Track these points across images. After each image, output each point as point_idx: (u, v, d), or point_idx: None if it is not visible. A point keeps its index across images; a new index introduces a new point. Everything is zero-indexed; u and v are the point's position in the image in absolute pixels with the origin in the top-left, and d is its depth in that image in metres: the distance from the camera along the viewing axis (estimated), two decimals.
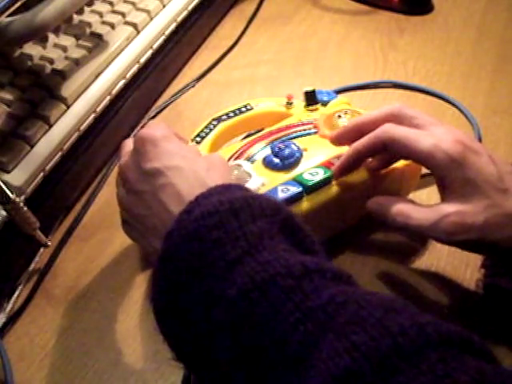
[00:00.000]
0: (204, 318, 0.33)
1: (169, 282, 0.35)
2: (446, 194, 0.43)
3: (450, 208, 0.41)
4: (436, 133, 0.43)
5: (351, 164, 0.47)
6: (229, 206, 0.34)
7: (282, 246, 0.34)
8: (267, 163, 0.50)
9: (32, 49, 0.60)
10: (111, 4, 0.67)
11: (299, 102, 0.58)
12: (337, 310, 0.30)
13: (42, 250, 0.54)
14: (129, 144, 0.44)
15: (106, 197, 0.59)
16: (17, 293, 0.51)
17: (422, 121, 0.45)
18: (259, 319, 0.31)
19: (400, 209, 0.44)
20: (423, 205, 0.44)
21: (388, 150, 0.45)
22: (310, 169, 0.50)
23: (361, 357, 0.27)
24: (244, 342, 0.31)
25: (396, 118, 0.46)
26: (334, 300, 0.30)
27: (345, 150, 0.50)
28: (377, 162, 0.49)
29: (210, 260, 0.33)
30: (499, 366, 0.29)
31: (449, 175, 0.42)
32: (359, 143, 0.46)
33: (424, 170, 0.54)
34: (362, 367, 0.27)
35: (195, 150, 0.42)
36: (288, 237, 0.35)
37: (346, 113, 0.55)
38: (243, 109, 0.58)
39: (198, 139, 0.55)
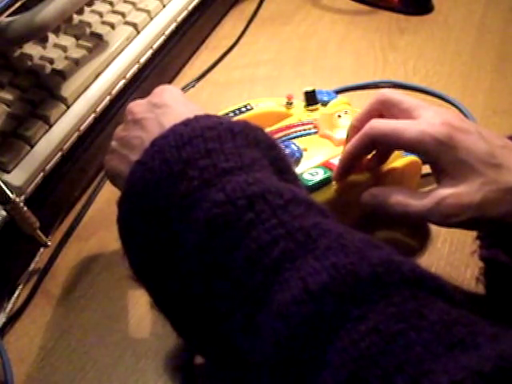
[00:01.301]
0: (177, 222, 0.32)
1: (145, 182, 0.34)
2: (440, 178, 0.43)
3: (446, 191, 0.41)
4: (424, 117, 0.43)
5: (347, 167, 0.48)
6: (227, 127, 0.35)
7: (273, 176, 0.34)
8: None
9: (32, 49, 0.60)
10: (111, 4, 0.67)
11: (299, 102, 0.58)
12: (320, 235, 0.30)
13: (42, 249, 0.54)
14: None
15: (106, 197, 0.59)
16: (17, 293, 0.51)
17: (409, 104, 0.45)
18: (241, 226, 0.31)
19: (397, 198, 0.44)
20: (419, 191, 0.45)
21: (379, 146, 0.46)
22: (310, 169, 0.50)
23: (339, 277, 0.28)
24: (218, 247, 0.31)
25: (384, 106, 0.46)
26: (318, 226, 0.31)
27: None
28: (373, 160, 0.49)
29: (200, 165, 0.33)
30: (467, 312, 0.29)
31: (440, 159, 0.42)
32: (350, 145, 0.46)
33: (424, 170, 0.54)
34: (339, 287, 0.27)
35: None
36: (277, 173, 0.35)
37: (346, 113, 0.55)
38: (243, 109, 0.58)
39: None
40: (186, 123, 0.35)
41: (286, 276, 0.29)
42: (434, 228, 0.53)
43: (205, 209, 0.31)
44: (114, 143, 0.42)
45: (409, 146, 0.43)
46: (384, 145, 0.45)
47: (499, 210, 0.40)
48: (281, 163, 0.36)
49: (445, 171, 0.42)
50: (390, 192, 0.44)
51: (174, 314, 0.35)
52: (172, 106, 0.39)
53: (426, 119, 0.43)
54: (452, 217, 0.41)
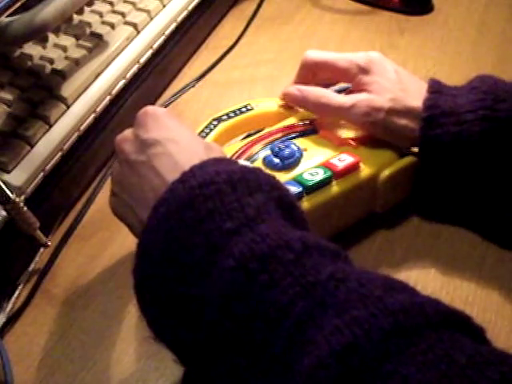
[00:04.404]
0: (192, 290, 0.32)
1: (154, 253, 0.33)
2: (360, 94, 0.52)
3: (362, 96, 0.52)
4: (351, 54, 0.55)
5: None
6: (226, 178, 0.34)
7: (280, 222, 0.34)
8: (267, 163, 0.50)
9: (32, 49, 0.60)
10: (111, 4, 0.67)
11: None
12: (337, 286, 0.30)
13: (42, 249, 0.54)
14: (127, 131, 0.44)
15: (106, 197, 0.59)
16: (17, 293, 0.51)
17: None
18: (256, 291, 0.30)
19: (322, 92, 0.54)
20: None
21: (317, 74, 0.56)
22: (310, 169, 0.50)
23: (362, 333, 0.27)
24: (236, 316, 0.30)
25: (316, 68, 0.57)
26: (334, 277, 0.30)
27: (345, 152, 0.51)
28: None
29: (204, 229, 0.32)
30: (492, 347, 0.29)
31: (361, 80, 0.53)
32: (294, 77, 0.57)
33: None
34: (364, 344, 0.27)
35: (194, 132, 0.42)
36: (283, 213, 0.35)
37: None
38: (243, 109, 0.58)
39: None
40: (183, 179, 0.34)
41: (309, 337, 0.28)
42: (434, 228, 0.53)
43: (216, 278, 0.31)
44: (114, 186, 0.42)
45: (339, 70, 0.54)
46: (321, 73, 0.56)
47: (401, 123, 0.50)
48: (285, 200, 0.36)
49: (364, 89, 0.52)
50: (315, 88, 0.54)
51: (198, 372, 0.35)
52: (161, 142, 0.38)
53: (353, 54, 0.54)
54: (367, 115, 0.50)
